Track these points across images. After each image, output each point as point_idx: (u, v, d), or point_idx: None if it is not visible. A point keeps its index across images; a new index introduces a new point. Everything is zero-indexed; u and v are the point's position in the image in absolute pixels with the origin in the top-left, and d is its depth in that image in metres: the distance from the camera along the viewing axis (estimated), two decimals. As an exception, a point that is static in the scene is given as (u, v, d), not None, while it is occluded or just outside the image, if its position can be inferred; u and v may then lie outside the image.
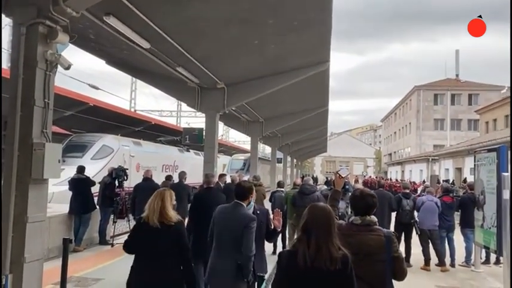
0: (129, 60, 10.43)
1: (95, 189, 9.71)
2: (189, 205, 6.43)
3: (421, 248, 8.40)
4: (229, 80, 11.27)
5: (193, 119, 40.71)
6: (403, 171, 46.23)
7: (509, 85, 30.48)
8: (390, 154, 61.31)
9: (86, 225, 8.87)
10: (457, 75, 50.08)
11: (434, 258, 8.40)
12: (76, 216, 8.83)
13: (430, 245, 8.40)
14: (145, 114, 30.12)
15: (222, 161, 27.57)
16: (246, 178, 13.68)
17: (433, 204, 8.42)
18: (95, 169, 14.10)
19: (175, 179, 10.39)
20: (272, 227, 4.21)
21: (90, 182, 9.27)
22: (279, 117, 18.52)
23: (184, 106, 24.91)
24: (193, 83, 11.06)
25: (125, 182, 9.71)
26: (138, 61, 10.20)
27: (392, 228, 8.74)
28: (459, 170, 26.03)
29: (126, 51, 9.32)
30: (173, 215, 3.54)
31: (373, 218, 2.98)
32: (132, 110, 33.35)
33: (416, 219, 8.51)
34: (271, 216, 4.38)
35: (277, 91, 12.14)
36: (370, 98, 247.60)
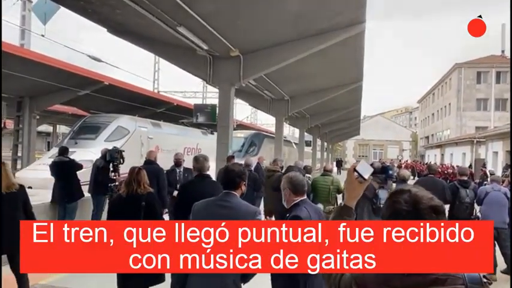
0: (128, 24, 9.01)
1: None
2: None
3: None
4: (245, 47, 9.58)
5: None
6: (442, 155, 43.37)
7: None
8: (427, 137, 58.19)
9: (72, 216, 7.50)
10: (502, 52, 46.22)
11: (500, 264, 6.59)
12: (60, 206, 7.52)
13: (497, 247, 6.56)
14: (169, 95, 28.97)
15: None
16: (255, 161, 11.96)
17: (500, 195, 6.54)
18: (110, 152, 13.01)
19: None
20: None
21: (75, 166, 7.87)
22: (306, 94, 16.56)
23: (210, 87, 23.27)
24: (202, 50, 9.45)
25: (121, 165, 8.24)
26: (137, 25, 8.76)
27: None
28: (511, 153, 23.36)
29: (118, 10, 7.86)
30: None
31: None
32: (155, 91, 32.26)
33: (478, 214, 6.66)
34: None
35: (302, 62, 10.38)
36: (404, 80, 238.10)
